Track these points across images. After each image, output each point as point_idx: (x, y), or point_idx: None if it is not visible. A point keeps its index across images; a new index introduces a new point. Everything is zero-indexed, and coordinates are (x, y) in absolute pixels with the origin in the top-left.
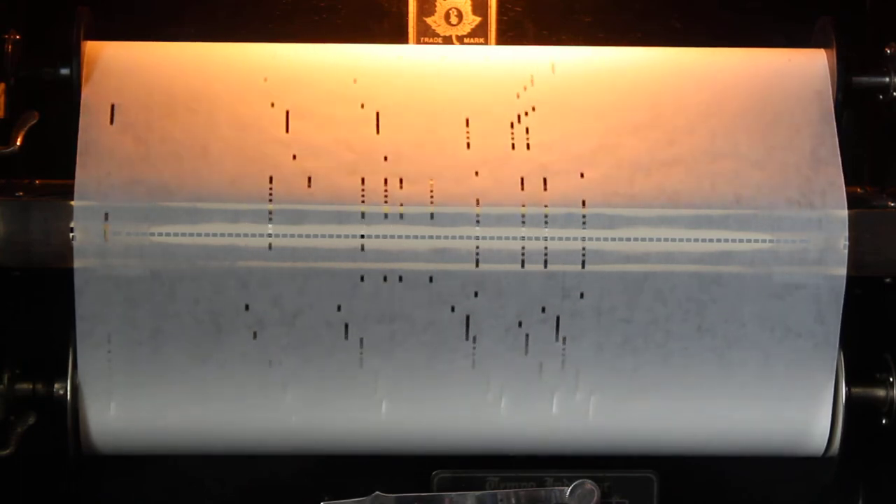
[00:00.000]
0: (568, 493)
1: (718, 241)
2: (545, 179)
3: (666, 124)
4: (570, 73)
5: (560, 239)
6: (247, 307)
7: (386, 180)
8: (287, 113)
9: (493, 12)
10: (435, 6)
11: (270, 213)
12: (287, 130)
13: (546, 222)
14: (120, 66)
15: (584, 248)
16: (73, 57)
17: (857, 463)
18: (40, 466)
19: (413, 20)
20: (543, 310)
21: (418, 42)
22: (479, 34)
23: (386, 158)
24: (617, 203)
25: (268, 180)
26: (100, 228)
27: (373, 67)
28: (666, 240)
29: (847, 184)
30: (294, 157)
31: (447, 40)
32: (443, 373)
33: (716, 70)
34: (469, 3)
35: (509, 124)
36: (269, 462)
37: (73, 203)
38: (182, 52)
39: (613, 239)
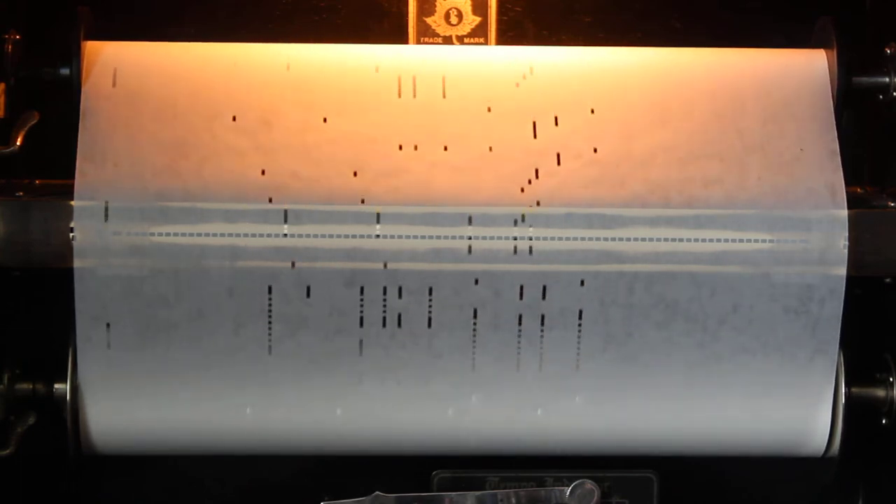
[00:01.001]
0: (568, 493)
1: (718, 241)
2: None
3: (665, 124)
4: (569, 74)
5: (560, 239)
6: (247, 308)
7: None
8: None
9: (493, 12)
10: (435, 6)
11: (271, 213)
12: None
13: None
14: (120, 66)
15: (584, 249)
16: (73, 57)
17: (857, 463)
18: (40, 466)
19: (413, 20)
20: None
21: (418, 42)
22: (479, 34)
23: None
24: (616, 203)
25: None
26: (100, 228)
27: None
28: (666, 240)
29: (847, 184)
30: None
31: (447, 40)
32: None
33: (715, 70)
34: (469, 3)
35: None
36: (269, 462)
37: (73, 203)
38: (182, 52)
39: (613, 239)
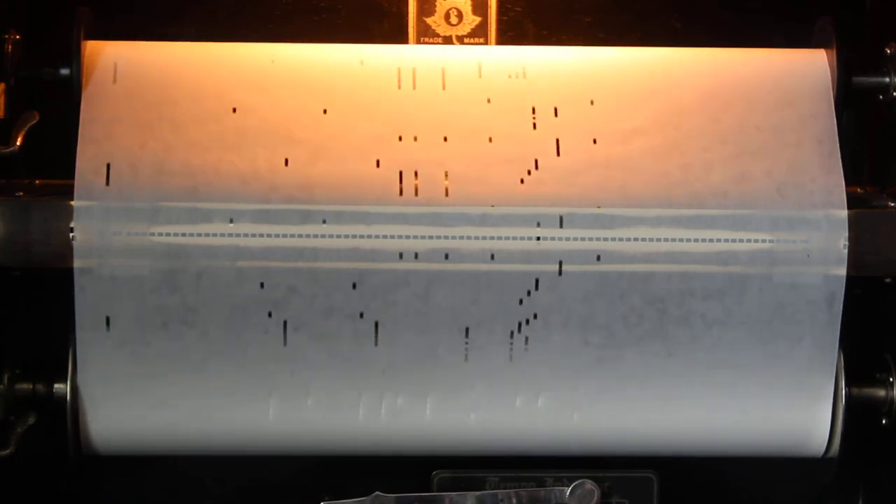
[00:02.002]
0: (568, 493)
1: (718, 241)
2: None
3: (665, 124)
4: (567, 76)
5: (560, 239)
6: (247, 308)
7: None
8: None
9: (493, 12)
10: (435, 6)
11: (270, 213)
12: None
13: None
14: (120, 66)
15: (584, 248)
16: (73, 57)
17: (857, 463)
18: (40, 466)
19: (413, 20)
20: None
21: (418, 42)
22: (479, 34)
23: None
24: (616, 203)
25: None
26: (100, 228)
27: None
28: (666, 240)
29: (847, 184)
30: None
31: (447, 40)
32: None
33: (715, 70)
34: (469, 3)
35: None
36: (269, 462)
37: (73, 203)
38: (182, 51)
39: (614, 239)
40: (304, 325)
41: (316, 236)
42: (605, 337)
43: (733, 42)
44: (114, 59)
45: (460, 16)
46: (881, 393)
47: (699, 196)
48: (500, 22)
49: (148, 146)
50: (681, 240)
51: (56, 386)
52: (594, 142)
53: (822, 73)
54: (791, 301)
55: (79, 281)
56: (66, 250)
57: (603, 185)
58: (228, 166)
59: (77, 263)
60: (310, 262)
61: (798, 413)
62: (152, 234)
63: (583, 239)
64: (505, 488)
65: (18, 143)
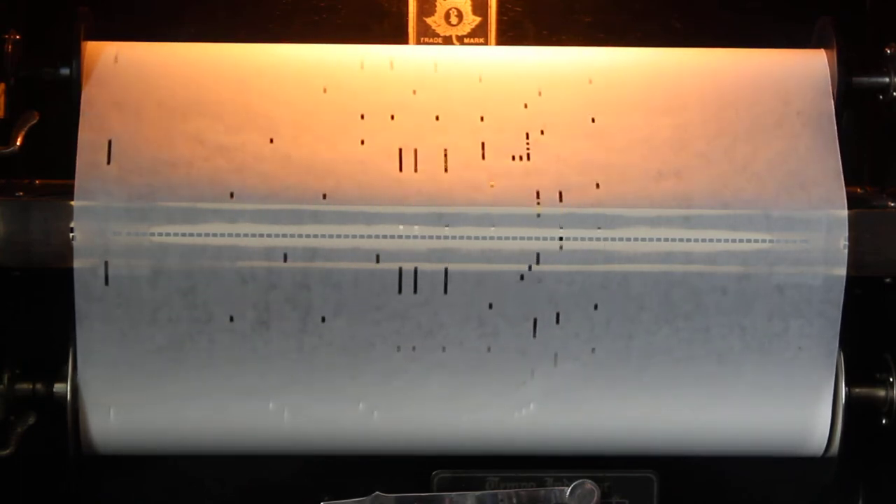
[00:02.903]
0: (568, 493)
1: (718, 241)
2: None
3: (665, 124)
4: (568, 75)
5: (559, 239)
6: (246, 307)
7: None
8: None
9: (493, 12)
10: (435, 6)
11: (271, 213)
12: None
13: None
14: (120, 66)
15: (583, 248)
16: (73, 57)
17: (857, 463)
18: (40, 466)
19: (413, 20)
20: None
21: (418, 42)
22: (479, 34)
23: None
24: (616, 204)
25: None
26: (100, 228)
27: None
28: (665, 240)
29: (847, 184)
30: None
31: (447, 40)
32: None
33: (715, 70)
34: (469, 3)
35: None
36: (269, 462)
37: (73, 203)
38: (182, 52)
39: (613, 239)
40: (304, 325)
41: (318, 236)
42: (605, 336)
43: (733, 42)
44: (114, 60)
45: (460, 16)
46: (881, 393)
47: (699, 196)
48: (500, 22)
49: (148, 146)
50: (681, 240)
51: (56, 386)
52: (594, 142)
53: (822, 73)
54: (791, 301)
55: (79, 281)
56: (66, 250)
57: (603, 185)
58: (229, 166)
59: (77, 263)
60: (310, 262)
61: (798, 413)
62: (152, 234)
63: (583, 239)
64: (505, 488)
65: (18, 143)
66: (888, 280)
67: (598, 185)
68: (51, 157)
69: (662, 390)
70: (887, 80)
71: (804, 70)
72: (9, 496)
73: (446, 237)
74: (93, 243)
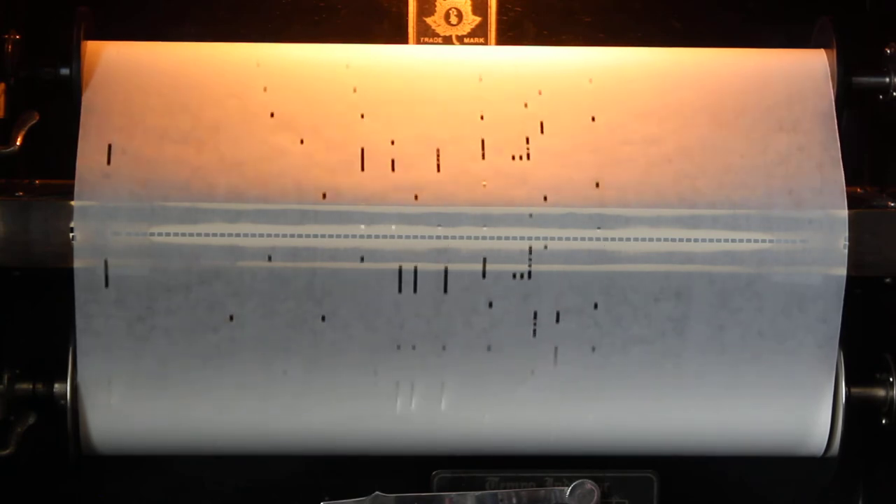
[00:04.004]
0: (568, 493)
1: (718, 241)
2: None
3: (665, 124)
4: (567, 75)
5: (559, 239)
6: (247, 307)
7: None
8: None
9: (493, 12)
10: (435, 6)
11: (270, 213)
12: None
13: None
14: (120, 66)
15: (583, 248)
16: (73, 57)
17: (857, 463)
18: (40, 466)
19: (413, 20)
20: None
21: (418, 42)
22: (478, 34)
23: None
24: (616, 203)
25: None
26: (100, 228)
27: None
28: (666, 240)
29: (847, 184)
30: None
31: (447, 40)
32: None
33: (715, 70)
34: (469, 3)
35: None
36: (269, 462)
37: (73, 203)
38: (182, 52)
39: (613, 239)
40: (304, 325)
41: (318, 236)
42: (605, 337)
43: (733, 42)
44: (114, 60)
45: (460, 16)
46: (881, 393)
47: (699, 196)
48: (499, 22)
49: (148, 147)
50: (681, 240)
51: (56, 386)
52: (594, 142)
53: (822, 73)
54: (791, 301)
55: (79, 281)
56: (66, 250)
57: (602, 185)
58: (229, 166)
59: (77, 263)
60: (310, 261)
61: (798, 413)
62: (152, 234)
63: (583, 239)
64: (505, 488)
65: (18, 143)
66: (888, 280)
67: (597, 185)
68: (51, 157)
69: (662, 390)
70: (887, 80)
71: (804, 70)
72: (9, 496)
73: (446, 237)
74: (93, 243)
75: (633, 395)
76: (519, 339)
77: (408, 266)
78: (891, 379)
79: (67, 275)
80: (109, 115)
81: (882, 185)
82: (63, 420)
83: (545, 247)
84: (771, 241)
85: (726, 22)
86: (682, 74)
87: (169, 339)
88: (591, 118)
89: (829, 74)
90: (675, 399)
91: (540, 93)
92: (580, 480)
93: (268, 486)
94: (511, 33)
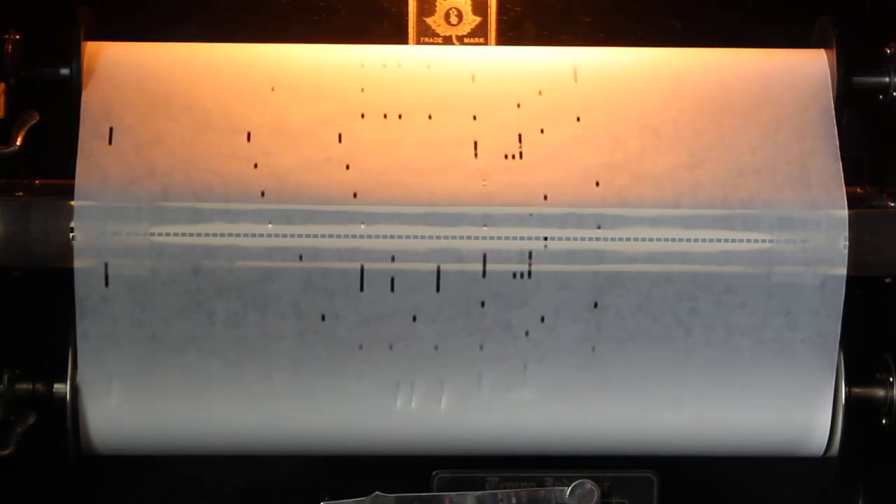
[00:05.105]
0: (568, 493)
1: (718, 241)
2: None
3: (665, 124)
4: (568, 76)
5: (560, 239)
6: (247, 308)
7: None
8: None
9: (493, 12)
10: (435, 6)
11: (270, 213)
12: None
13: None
14: (120, 66)
15: (584, 248)
16: (73, 57)
17: (857, 463)
18: (40, 466)
19: (413, 20)
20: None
21: (418, 42)
22: (479, 34)
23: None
24: (616, 203)
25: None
26: (100, 228)
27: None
28: (666, 240)
29: (847, 184)
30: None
31: (447, 40)
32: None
33: (715, 70)
34: (469, 3)
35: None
36: (269, 462)
37: (73, 203)
38: (182, 52)
39: (613, 239)
40: (304, 325)
41: (318, 236)
42: (605, 337)
43: (733, 42)
44: (114, 60)
45: (460, 16)
46: (881, 393)
47: (699, 196)
48: (500, 22)
49: (148, 147)
50: (681, 240)
51: (56, 386)
52: (594, 141)
53: (822, 73)
54: (791, 301)
55: (79, 281)
56: (66, 250)
57: (602, 184)
58: (229, 167)
59: (77, 263)
60: (311, 262)
61: (798, 413)
62: (152, 234)
63: (583, 239)
64: (505, 488)
65: (18, 143)
66: (888, 280)
67: (597, 184)
68: (51, 157)
69: (662, 390)
70: (887, 80)
71: (804, 70)
72: (9, 496)
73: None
74: (93, 243)
75: (633, 395)
76: (518, 338)
77: (408, 266)
78: (891, 379)
79: (67, 275)
80: (109, 115)
81: (882, 185)
82: (63, 420)
83: (545, 246)
84: (771, 240)
85: (726, 22)
86: (681, 74)
87: (169, 338)
88: (590, 118)
89: (829, 74)
90: (675, 399)
91: (540, 93)
92: (580, 480)
93: (268, 486)
94: (511, 33)
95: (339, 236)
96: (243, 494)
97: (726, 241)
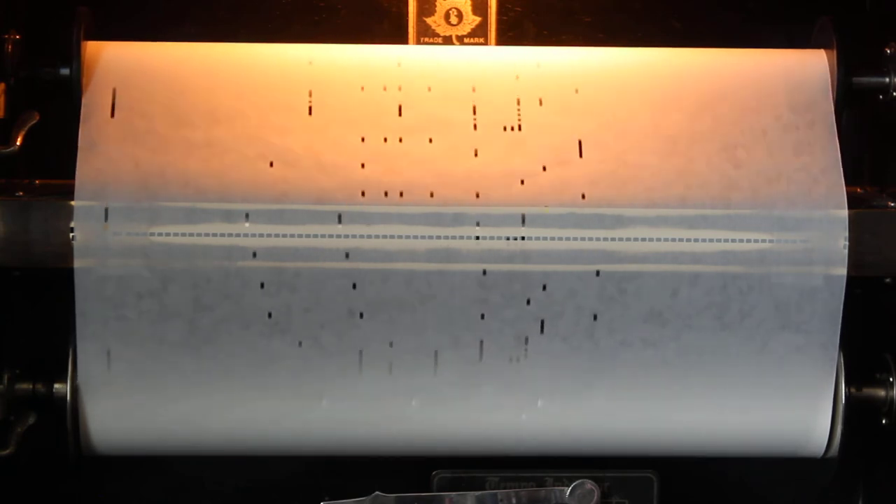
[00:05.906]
0: (568, 493)
1: (718, 241)
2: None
3: (665, 124)
4: (568, 76)
5: (560, 239)
6: (247, 307)
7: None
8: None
9: (493, 12)
10: (435, 6)
11: (270, 213)
12: None
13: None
14: (120, 66)
15: (584, 248)
16: (73, 57)
17: (857, 463)
18: (40, 466)
19: (413, 20)
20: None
21: (418, 42)
22: (479, 34)
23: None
24: (616, 203)
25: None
26: (100, 228)
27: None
28: (666, 240)
29: (847, 184)
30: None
31: (447, 40)
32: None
33: (715, 70)
34: (469, 3)
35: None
36: (269, 462)
37: (73, 203)
38: (182, 52)
39: (613, 239)
40: (305, 326)
41: (317, 236)
42: (605, 337)
43: (733, 42)
44: (114, 60)
45: (460, 16)
46: (881, 393)
47: (699, 196)
48: (499, 22)
49: (148, 147)
50: (681, 240)
51: (56, 386)
52: (594, 141)
53: (822, 73)
54: (791, 301)
55: (79, 281)
56: (66, 250)
57: (602, 184)
58: (229, 166)
59: (77, 263)
60: (311, 262)
61: (798, 413)
62: (152, 234)
63: (583, 239)
64: (505, 488)
65: (18, 143)
66: (888, 280)
67: (597, 184)
68: (51, 157)
69: (662, 390)
70: (887, 80)
71: (804, 70)
72: (9, 496)
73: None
74: (93, 243)
75: (634, 396)
76: (518, 338)
77: (407, 265)
78: (891, 379)
79: (67, 275)
80: (109, 115)
81: (882, 185)
82: (63, 420)
83: (544, 246)
84: (771, 241)
85: (726, 22)
86: (681, 74)
87: (168, 338)
88: (591, 118)
89: (829, 74)
90: (676, 399)
91: (540, 102)
92: (580, 480)
93: (268, 486)
94: (511, 33)
95: (339, 236)
96: (243, 494)
97: (726, 241)
